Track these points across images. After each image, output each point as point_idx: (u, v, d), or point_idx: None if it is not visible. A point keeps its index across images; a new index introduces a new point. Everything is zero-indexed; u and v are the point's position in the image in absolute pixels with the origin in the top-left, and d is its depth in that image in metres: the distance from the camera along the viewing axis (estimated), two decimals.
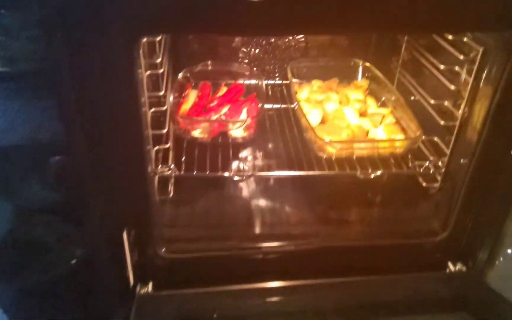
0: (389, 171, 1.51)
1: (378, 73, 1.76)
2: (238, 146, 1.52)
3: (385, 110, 1.61)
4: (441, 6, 0.87)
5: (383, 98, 1.71)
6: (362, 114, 1.60)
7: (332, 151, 1.34)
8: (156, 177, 1.39)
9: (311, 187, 1.50)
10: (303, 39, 1.99)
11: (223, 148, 1.47)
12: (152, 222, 1.07)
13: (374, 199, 1.53)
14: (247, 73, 1.85)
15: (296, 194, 1.44)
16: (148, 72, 1.29)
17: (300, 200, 1.43)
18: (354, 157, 1.52)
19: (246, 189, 1.51)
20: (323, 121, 1.50)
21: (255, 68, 1.96)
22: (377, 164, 1.50)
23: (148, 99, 1.00)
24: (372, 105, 1.78)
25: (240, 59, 1.97)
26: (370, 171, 1.50)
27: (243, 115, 1.66)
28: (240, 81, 1.73)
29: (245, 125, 1.53)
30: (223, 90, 1.82)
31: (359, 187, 1.60)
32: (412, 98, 1.57)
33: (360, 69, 1.86)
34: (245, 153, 1.53)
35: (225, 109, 1.68)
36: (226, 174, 1.43)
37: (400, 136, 1.56)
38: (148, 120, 1.03)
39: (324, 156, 1.49)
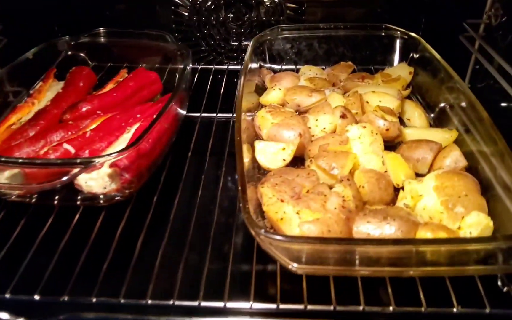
0: None
1: (433, 52, 0.98)
2: (93, 216, 0.78)
3: (445, 133, 0.85)
4: None
5: (442, 105, 0.93)
6: (390, 141, 0.86)
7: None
8: None
9: None
10: None
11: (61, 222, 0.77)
12: None
13: None
14: (171, 49, 0.95)
15: None
16: None
17: None
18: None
19: None
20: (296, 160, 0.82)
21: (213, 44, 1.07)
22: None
23: None
24: (417, 120, 0.84)
25: (174, 25, 1.09)
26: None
27: (121, 142, 0.77)
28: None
29: (102, 168, 0.65)
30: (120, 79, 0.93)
31: None
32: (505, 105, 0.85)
33: (398, 44, 0.98)
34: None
35: (92, 126, 0.80)
36: None
37: (482, 218, 0.60)
38: None
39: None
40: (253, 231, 0.55)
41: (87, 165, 0.65)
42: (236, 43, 1.15)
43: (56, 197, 0.74)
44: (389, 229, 0.61)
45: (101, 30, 1.02)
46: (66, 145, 0.75)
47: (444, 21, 1.08)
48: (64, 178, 0.65)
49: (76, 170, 0.65)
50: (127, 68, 1.01)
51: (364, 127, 0.79)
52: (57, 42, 0.99)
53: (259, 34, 1.02)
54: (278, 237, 0.54)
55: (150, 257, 0.69)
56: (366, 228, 0.62)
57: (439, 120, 0.90)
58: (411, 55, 1.01)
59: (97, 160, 0.65)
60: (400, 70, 0.99)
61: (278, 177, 0.72)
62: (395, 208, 0.67)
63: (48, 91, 0.93)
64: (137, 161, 0.73)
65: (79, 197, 0.74)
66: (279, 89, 0.94)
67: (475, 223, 0.62)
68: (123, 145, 0.78)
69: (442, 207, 0.66)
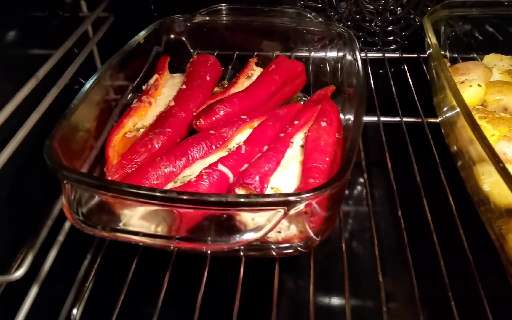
0: None
1: None
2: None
3: None
4: None
5: None
6: None
7: None
8: None
9: None
10: None
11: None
12: None
13: None
14: (319, 29, 0.71)
15: None
16: None
17: None
18: None
19: None
20: None
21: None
22: None
23: None
24: None
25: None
26: None
27: (293, 170, 0.53)
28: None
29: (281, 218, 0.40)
30: (252, 75, 0.69)
31: None
32: None
33: None
34: None
35: (238, 138, 0.57)
36: None
37: None
38: None
39: None
40: None
41: (291, 207, 0.41)
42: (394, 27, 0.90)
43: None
44: None
45: (223, 6, 0.78)
46: (222, 167, 0.51)
47: None
48: (258, 235, 0.41)
49: (277, 216, 0.41)
50: (257, 57, 0.77)
51: None
52: (172, 21, 0.75)
53: (430, 11, 0.77)
54: None
55: None
56: None
57: None
58: None
59: (302, 196, 0.41)
60: None
61: None
62: None
63: (164, 87, 0.71)
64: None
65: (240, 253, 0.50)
66: (479, 85, 0.68)
67: None
68: (288, 166, 0.54)
69: None
